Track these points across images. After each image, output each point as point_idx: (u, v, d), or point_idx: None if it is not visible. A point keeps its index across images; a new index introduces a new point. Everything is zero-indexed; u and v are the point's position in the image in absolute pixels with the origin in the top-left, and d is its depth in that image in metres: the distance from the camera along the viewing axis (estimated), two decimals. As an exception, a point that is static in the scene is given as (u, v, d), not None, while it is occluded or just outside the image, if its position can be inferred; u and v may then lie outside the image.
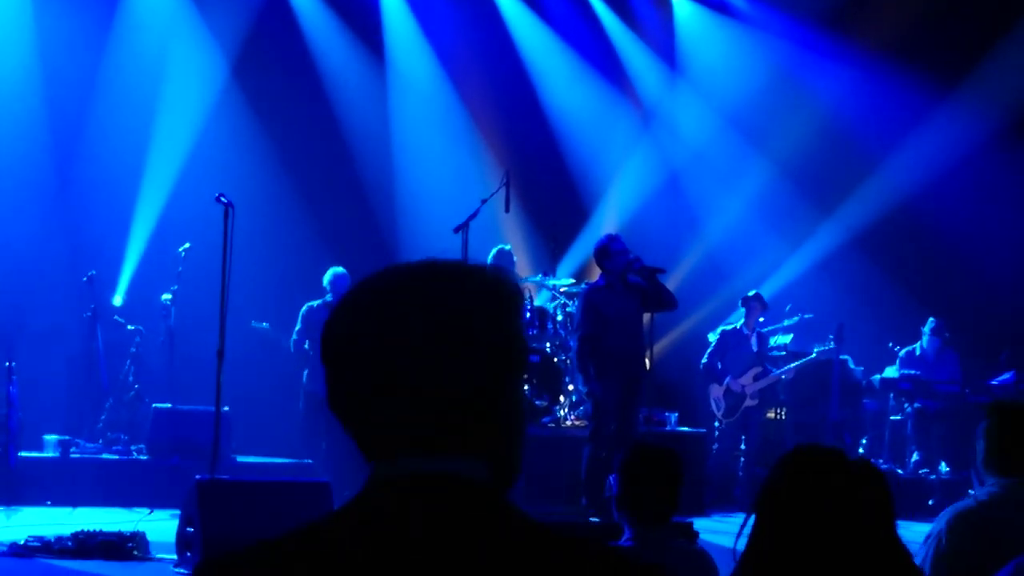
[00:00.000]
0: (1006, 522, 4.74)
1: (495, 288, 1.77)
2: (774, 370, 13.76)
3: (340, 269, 13.33)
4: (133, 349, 13.43)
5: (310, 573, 1.65)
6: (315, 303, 13.44)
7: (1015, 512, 4.76)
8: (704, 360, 13.81)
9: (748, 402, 13.49)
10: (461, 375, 1.70)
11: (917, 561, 4.58)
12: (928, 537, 4.80)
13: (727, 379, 13.50)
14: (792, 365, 13.98)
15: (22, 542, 9.03)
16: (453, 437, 1.70)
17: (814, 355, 13.80)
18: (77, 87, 14.60)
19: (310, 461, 12.59)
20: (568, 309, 13.02)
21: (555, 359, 12.79)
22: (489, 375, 1.72)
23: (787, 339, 14.87)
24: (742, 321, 13.76)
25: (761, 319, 14.03)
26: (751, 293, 13.95)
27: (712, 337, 14.15)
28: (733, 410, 13.55)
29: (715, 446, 13.65)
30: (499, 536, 1.67)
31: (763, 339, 13.82)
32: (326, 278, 13.34)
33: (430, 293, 1.72)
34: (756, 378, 13.53)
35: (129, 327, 13.50)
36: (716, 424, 13.75)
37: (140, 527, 9.35)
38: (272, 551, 1.69)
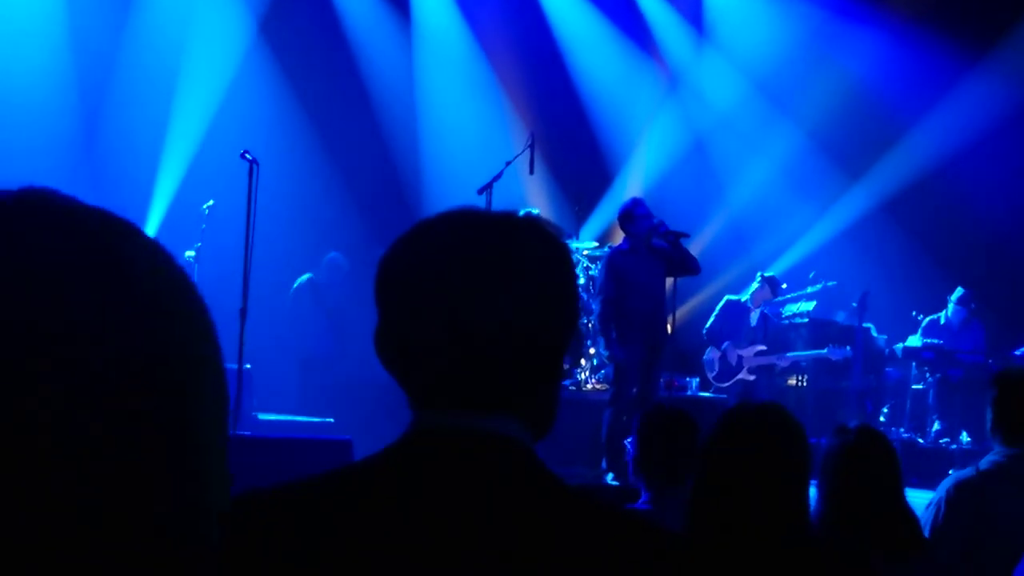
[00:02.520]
0: (1005, 493, 4.75)
1: (561, 245, 1.75)
2: (776, 355, 13.56)
3: (336, 255, 14.43)
4: (156, 306, 13.47)
5: (341, 517, 1.63)
6: (302, 279, 14.47)
7: (1015, 483, 4.77)
8: (707, 325, 13.72)
9: (744, 375, 13.34)
10: (534, 333, 1.67)
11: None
12: (929, 504, 4.83)
13: (726, 344, 13.42)
14: (794, 354, 13.86)
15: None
16: (506, 394, 1.67)
17: (826, 352, 13.64)
18: (104, 42, 14.60)
19: (332, 420, 12.64)
20: (591, 273, 13.00)
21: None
22: (556, 335, 1.70)
23: (810, 306, 14.80)
24: (748, 296, 13.69)
25: (778, 292, 13.98)
26: (768, 273, 13.88)
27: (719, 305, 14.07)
28: (725, 376, 13.42)
29: None
30: (537, 498, 1.66)
31: (767, 318, 13.66)
32: (324, 260, 14.43)
33: (503, 246, 1.68)
34: (756, 354, 13.43)
35: (153, 283, 13.54)
36: (713, 391, 13.61)
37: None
38: (303, 492, 1.67)
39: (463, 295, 1.64)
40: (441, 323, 1.65)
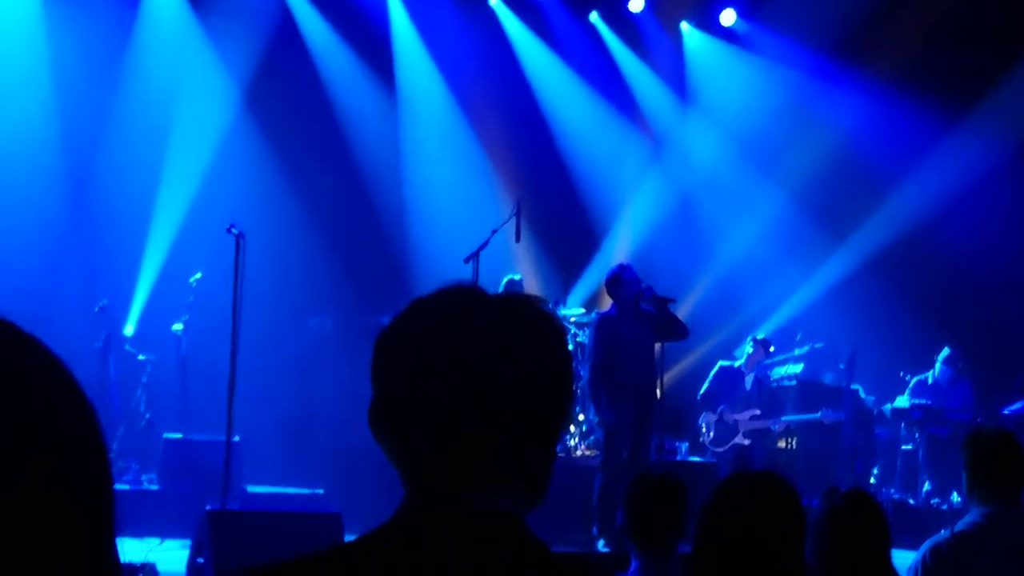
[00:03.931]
0: (983, 552, 4.75)
1: (557, 325, 1.77)
2: (771, 420, 13.57)
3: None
4: (144, 379, 13.45)
5: None
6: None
7: (991, 542, 4.78)
8: (701, 390, 13.75)
9: (740, 439, 13.36)
10: (532, 413, 1.68)
11: None
12: (908, 569, 4.83)
13: (721, 408, 13.45)
14: (789, 418, 13.88)
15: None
16: (504, 472, 1.68)
17: (819, 416, 13.67)
18: (90, 116, 14.64)
19: (321, 491, 12.59)
20: (579, 339, 13.02)
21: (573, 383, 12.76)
22: (553, 413, 1.72)
23: (798, 368, 14.83)
24: (742, 360, 13.73)
25: (769, 353, 14.02)
26: (759, 336, 13.93)
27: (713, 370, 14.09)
28: (722, 440, 13.43)
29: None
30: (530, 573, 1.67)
31: (760, 382, 13.69)
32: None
33: (501, 327, 1.70)
34: (751, 418, 13.44)
35: (140, 357, 13.53)
36: (708, 455, 13.62)
37: (150, 557, 9.34)
38: (303, 570, 1.66)
39: (462, 376, 1.66)
40: (440, 403, 1.66)
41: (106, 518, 1.01)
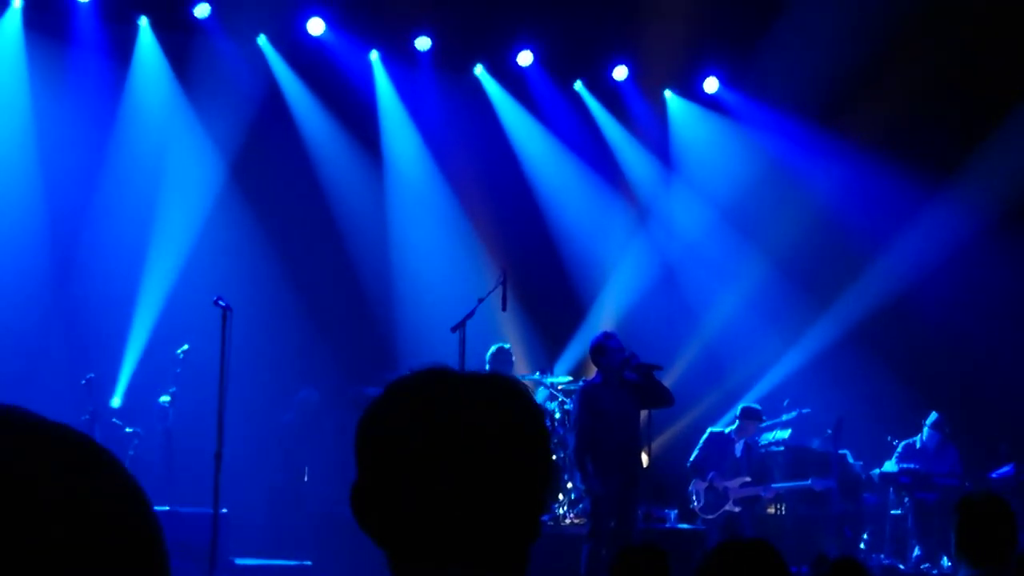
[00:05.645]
0: None
1: (535, 408, 1.80)
2: (761, 487, 13.57)
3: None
4: (131, 451, 13.40)
5: None
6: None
7: None
8: (691, 458, 13.73)
9: (730, 506, 13.33)
10: (511, 494, 1.72)
11: None
12: None
13: (711, 475, 13.41)
14: (779, 486, 13.87)
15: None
16: (484, 550, 1.71)
17: (810, 483, 13.66)
18: (77, 189, 14.69)
19: (309, 563, 12.52)
20: (566, 407, 13.02)
21: (553, 457, 12.79)
22: (531, 495, 1.75)
23: (785, 434, 14.83)
24: (733, 427, 13.72)
25: (761, 420, 14.03)
26: (751, 406, 13.93)
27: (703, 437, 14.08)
28: (713, 507, 13.39)
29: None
30: None
31: (751, 448, 13.67)
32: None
33: (479, 411, 1.73)
34: (741, 486, 13.41)
35: (127, 429, 13.48)
36: (699, 523, 13.59)
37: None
38: None
39: (438, 458, 1.69)
40: (420, 486, 1.69)
41: None
